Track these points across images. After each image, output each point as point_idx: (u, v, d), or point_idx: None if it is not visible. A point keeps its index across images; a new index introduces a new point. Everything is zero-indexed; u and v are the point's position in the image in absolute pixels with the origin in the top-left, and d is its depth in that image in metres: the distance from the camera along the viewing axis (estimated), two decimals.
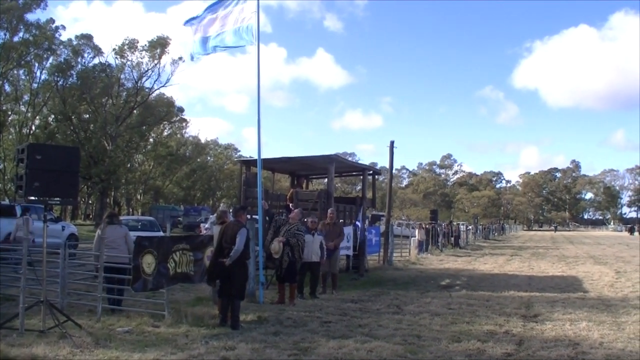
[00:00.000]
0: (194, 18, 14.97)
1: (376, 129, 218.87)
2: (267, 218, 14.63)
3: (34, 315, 9.73)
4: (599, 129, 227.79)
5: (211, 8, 14.73)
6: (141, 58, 58.78)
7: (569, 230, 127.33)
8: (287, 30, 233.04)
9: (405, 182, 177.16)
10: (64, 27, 54.97)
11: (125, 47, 57.91)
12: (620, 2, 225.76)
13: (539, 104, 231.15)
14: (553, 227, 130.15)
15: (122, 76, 59.11)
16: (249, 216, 14.25)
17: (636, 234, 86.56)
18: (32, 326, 9.26)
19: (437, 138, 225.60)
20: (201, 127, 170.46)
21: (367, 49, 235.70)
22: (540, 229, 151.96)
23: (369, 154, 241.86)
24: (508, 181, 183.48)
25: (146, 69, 59.29)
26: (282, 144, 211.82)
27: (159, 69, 59.74)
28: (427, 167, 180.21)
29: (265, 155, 15.37)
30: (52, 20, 53.41)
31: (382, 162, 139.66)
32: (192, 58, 15.51)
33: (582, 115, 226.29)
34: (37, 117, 56.69)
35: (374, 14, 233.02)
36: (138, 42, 58.54)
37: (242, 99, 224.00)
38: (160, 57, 58.98)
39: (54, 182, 9.14)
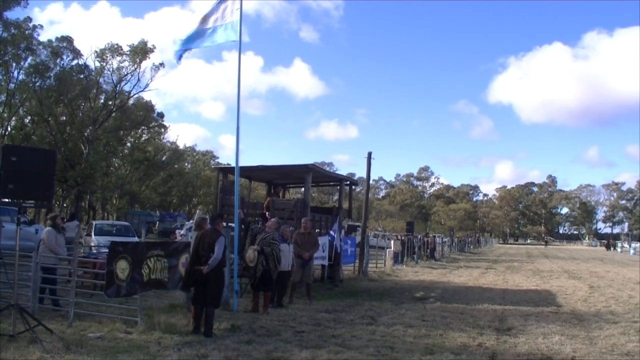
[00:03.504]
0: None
1: (352, 140, 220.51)
2: (242, 226, 14.59)
3: (4, 319, 9.61)
4: (572, 145, 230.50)
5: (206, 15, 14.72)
6: (122, 62, 58.65)
7: (545, 245, 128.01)
8: (264, 40, 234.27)
9: (382, 194, 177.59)
10: (41, 27, 54.67)
11: (107, 51, 57.70)
12: (593, 22, 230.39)
13: (513, 119, 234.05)
14: (544, 242, 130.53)
15: (101, 79, 58.89)
16: (224, 224, 14.20)
17: (612, 249, 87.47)
18: (2, 330, 9.13)
19: (412, 150, 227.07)
20: (179, 133, 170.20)
21: (343, 61, 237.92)
22: (516, 242, 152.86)
23: (344, 164, 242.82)
24: (485, 194, 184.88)
25: (126, 73, 59.14)
26: (258, 152, 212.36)
27: (138, 73, 59.61)
28: (404, 179, 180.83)
29: (242, 163, 15.33)
30: (29, 19, 52.92)
31: (358, 172, 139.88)
32: (179, 57, 15.08)
33: (555, 131, 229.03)
34: (13, 118, 56.06)
35: (349, 26, 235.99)
36: (121, 47, 58.44)
37: (218, 106, 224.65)
38: (141, 62, 58.83)
39: (28, 184, 9.04)
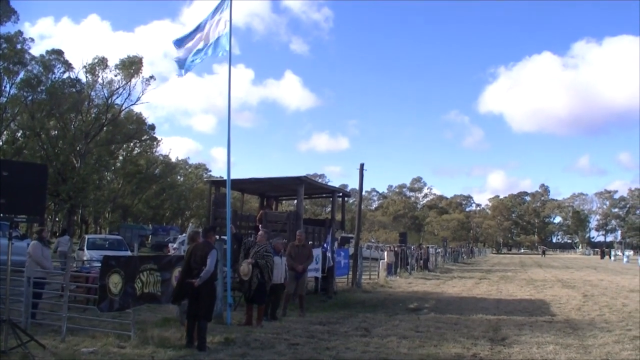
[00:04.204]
0: (184, 37, 15.01)
1: (343, 151, 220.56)
2: (235, 240, 14.55)
3: None
4: (563, 154, 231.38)
5: (199, 27, 14.84)
6: (113, 76, 58.87)
7: (539, 254, 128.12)
8: (255, 52, 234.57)
9: (375, 205, 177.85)
10: (32, 40, 54.94)
11: (96, 65, 57.81)
12: (582, 31, 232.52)
13: (504, 129, 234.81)
14: (541, 251, 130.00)
15: (93, 93, 59.04)
16: (217, 237, 14.16)
17: (607, 257, 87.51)
18: None
19: (404, 161, 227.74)
20: (171, 146, 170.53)
21: (333, 72, 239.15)
22: (510, 252, 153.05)
23: (336, 175, 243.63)
24: (478, 204, 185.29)
25: (117, 87, 59.28)
26: (250, 165, 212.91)
27: (129, 87, 59.77)
28: (397, 190, 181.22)
29: (234, 175, 15.27)
30: (20, 33, 53.16)
31: (350, 183, 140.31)
32: (181, 74, 15.27)
33: (546, 140, 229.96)
34: (5, 132, 56.05)
35: (339, 38, 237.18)
36: (108, 60, 58.66)
37: (209, 119, 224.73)
38: (132, 76, 58.98)
39: (20, 199, 9.01)
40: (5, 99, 53.59)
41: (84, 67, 57.77)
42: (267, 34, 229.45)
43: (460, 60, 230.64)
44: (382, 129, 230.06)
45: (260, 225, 18.59)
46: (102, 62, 58.29)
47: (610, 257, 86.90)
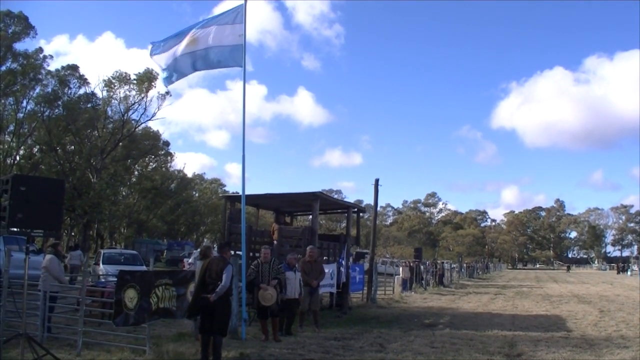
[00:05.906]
0: (160, 42, 14.61)
1: (356, 167, 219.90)
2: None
3: (13, 348, 9.61)
4: (576, 169, 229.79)
5: (182, 32, 14.57)
6: (129, 91, 59.18)
7: (554, 269, 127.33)
8: (267, 69, 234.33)
9: (390, 220, 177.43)
10: (51, 57, 55.40)
11: (115, 80, 58.24)
12: (594, 46, 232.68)
13: (517, 144, 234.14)
14: (566, 267, 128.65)
15: (109, 109, 59.44)
16: (232, 252, 14.17)
17: (623, 272, 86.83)
18: (11, 359, 9.12)
19: (418, 176, 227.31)
20: (185, 161, 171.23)
21: (345, 88, 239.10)
22: (525, 267, 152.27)
23: (350, 191, 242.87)
24: (493, 220, 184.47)
25: (133, 102, 59.63)
26: (263, 180, 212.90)
27: (145, 102, 60.13)
28: (411, 205, 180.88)
29: (249, 191, 15.30)
30: (40, 50, 53.84)
31: (365, 199, 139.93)
32: (167, 82, 14.91)
33: (559, 154, 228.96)
34: (22, 148, 56.49)
35: (350, 54, 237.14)
36: (129, 75, 59.04)
37: (223, 135, 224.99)
38: (147, 91, 59.35)
39: (37, 213, 9.08)
40: (22, 115, 54.07)
41: (103, 80, 58.49)
42: (279, 50, 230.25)
43: (472, 76, 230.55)
44: (395, 145, 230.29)
45: (275, 241, 18.67)
46: (122, 77, 58.74)
47: (627, 272, 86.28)
